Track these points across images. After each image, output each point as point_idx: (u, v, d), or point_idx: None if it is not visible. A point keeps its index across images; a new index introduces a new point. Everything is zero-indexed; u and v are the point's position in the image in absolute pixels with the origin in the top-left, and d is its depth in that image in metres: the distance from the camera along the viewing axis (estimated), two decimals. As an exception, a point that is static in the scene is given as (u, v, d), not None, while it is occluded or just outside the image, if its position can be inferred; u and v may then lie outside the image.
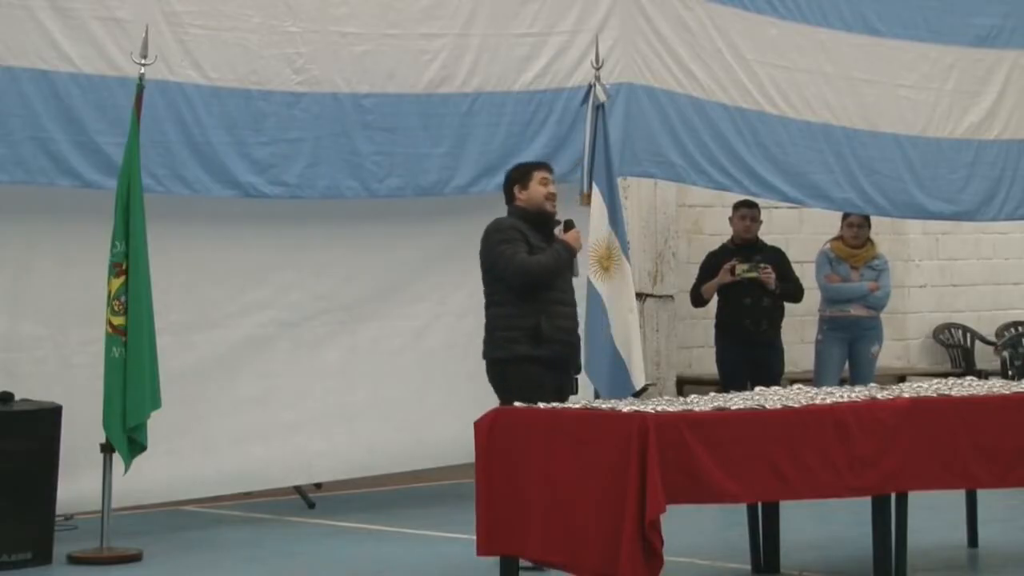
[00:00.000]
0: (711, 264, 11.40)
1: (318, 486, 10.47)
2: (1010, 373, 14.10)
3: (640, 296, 11.99)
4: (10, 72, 8.63)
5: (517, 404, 7.59)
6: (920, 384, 8.20)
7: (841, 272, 11.76)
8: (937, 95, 11.85)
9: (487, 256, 8.28)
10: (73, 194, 8.95)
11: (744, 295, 11.15)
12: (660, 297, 12.98)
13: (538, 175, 8.41)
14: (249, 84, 9.33)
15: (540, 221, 8.32)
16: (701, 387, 11.50)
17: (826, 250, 11.88)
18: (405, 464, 9.52)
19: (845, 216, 11.81)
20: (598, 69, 10.07)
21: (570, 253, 8.31)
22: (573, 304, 8.40)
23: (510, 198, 8.44)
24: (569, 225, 8.45)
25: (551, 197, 8.38)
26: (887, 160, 11.63)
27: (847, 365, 11.84)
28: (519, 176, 8.46)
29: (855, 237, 11.78)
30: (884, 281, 11.80)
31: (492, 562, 7.33)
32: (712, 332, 11.55)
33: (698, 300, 11.49)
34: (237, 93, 9.29)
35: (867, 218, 11.78)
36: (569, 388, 8.29)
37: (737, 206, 11.44)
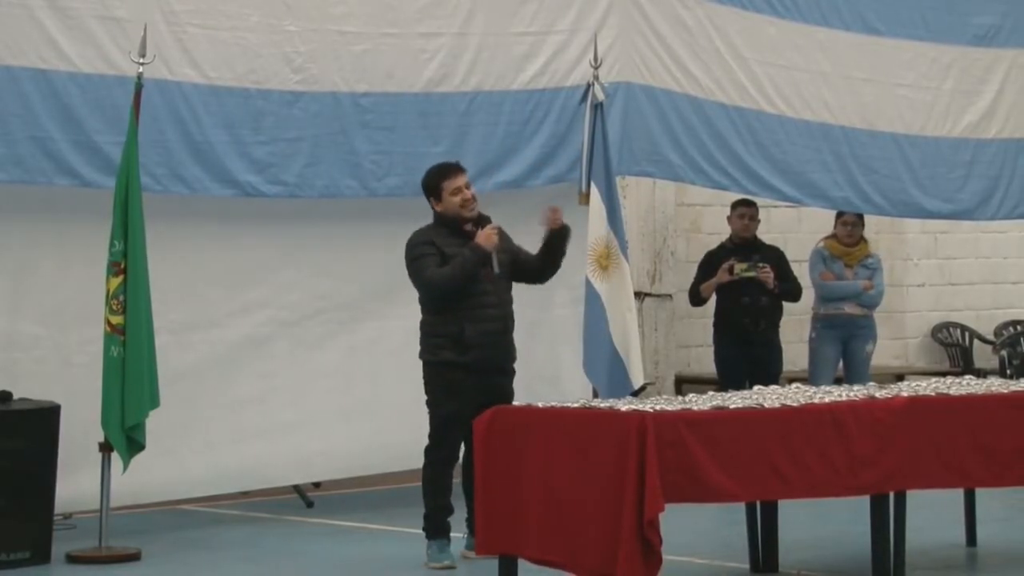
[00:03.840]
0: (709, 263, 11.40)
1: (316, 485, 10.48)
2: (1008, 372, 14.10)
3: (639, 295, 12.00)
4: (9, 71, 8.63)
5: (515, 403, 7.62)
6: (918, 383, 8.19)
7: (835, 270, 11.76)
8: (935, 94, 11.85)
9: (408, 272, 8.30)
10: (72, 193, 8.95)
11: (742, 294, 11.14)
12: (659, 296, 12.99)
13: (448, 187, 8.25)
14: (248, 83, 9.32)
15: (459, 226, 8.24)
16: (700, 386, 11.51)
17: (820, 248, 11.89)
18: (404, 463, 9.50)
19: (839, 215, 11.82)
20: (596, 68, 10.08)
21: (479, 254, 8.13)
22: (500, 304, 8.26)
23: (432, 202, 8.36)
24: (483, 222, 8.26)
25: (467, 203, 8.25)
26: (885, 159, 11.63)
27: (841, 363, 11.84)
28: (430, 188, 8.32)
29: (849, 235, 11.78)
30: (878, 280, 11.81)
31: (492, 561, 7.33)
32: (711, 331, 11.55)
33: (696, 299, 11.49)
34: (236, 92, 9.29)
35: (861, 216, 11.79)
36: (500, 392, 8.12)
37: (735, 205, 11.44)
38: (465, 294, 8.13)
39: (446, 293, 8.13)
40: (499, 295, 8.27)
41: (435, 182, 8.34)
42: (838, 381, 11.18)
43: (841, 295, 11.71)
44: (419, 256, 8.19)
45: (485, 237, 8.17)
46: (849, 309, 11.71)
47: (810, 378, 11.47)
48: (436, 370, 8.23)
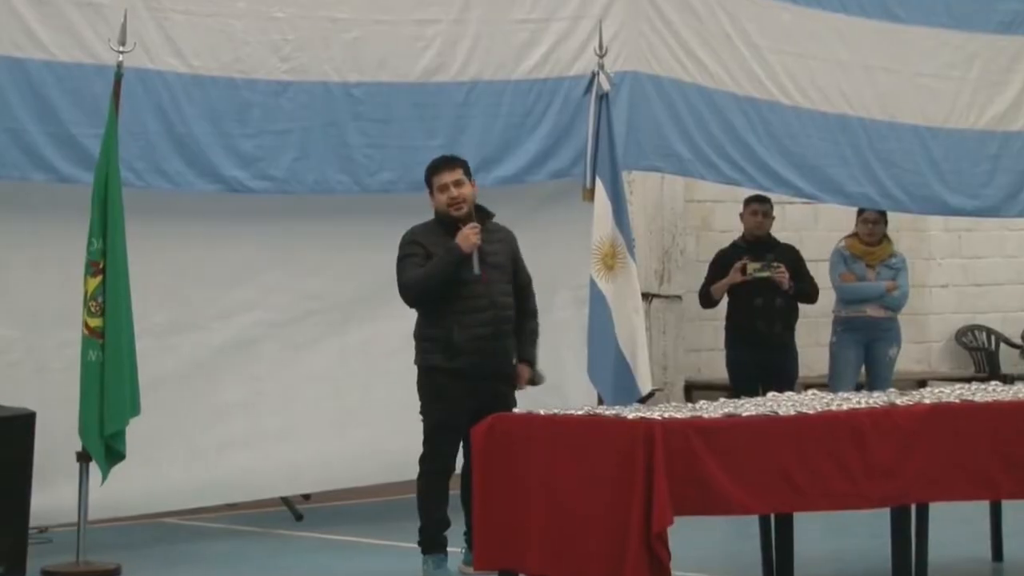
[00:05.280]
0: (721, 263, 11.39)
1: (306, 497, 10.48)
2: (1036, 377, 14.10)
3: (646, 296, 11.99)
4: (-19, 60, 8.65)
5: (516, 411, 7.61)
6: (942, 389, 8.20)
7: (857, 271, 11.76)
8: (959, 84, 11.84)
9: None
10: (47, 189, 8.94)
11: (756, 295, 11.14)
12: (667, 297, 12.99)
13: (436, 183, 8.30)
14: (233, 72, 9.32)
15: (452, 225, 8.24)
16: (711, 392, 11.49)
17: (840, 248, 11.89)
18: (398, 473, 9.50)
19: (860, 212, 11.82)
20: (602, 57, 10.08)
21: (455, 255, 8.12)
22: (493, 306, 8.24)
23: (429, 198, 8.40)
24: (484, 217, 8.26)
25: (455, 202, 8.24)
26: (906, 153, 11.62)
27: (863, 368, 11.84)
28: (426, 183, 8.40)
29: (870, 234, 11.78)
30: (902, 280, 11.80)
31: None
32: (722, 334, 11.55)
33: (707, 301, 11.49)
34: (221, 82, 9.29)
35: (883, 214, 11.79)
36: (496, 398, 8.05)
37: (748, 201, 11.44)
38: (454, 296, 8.14)
39: (421, 296, 8.18)
40: (492, 297, 8.25)
41: (427, 177, 8.40)
42: (859, 387, 11.17)
43: (862, 297, 11.70)
44: (403, 257, 8.26)
45: (463, 237, 8.17)
46: (871, 311, 11.70)
47: (830, 384, 11.48)
48: (426, 375, 8.24)
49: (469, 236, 8.16)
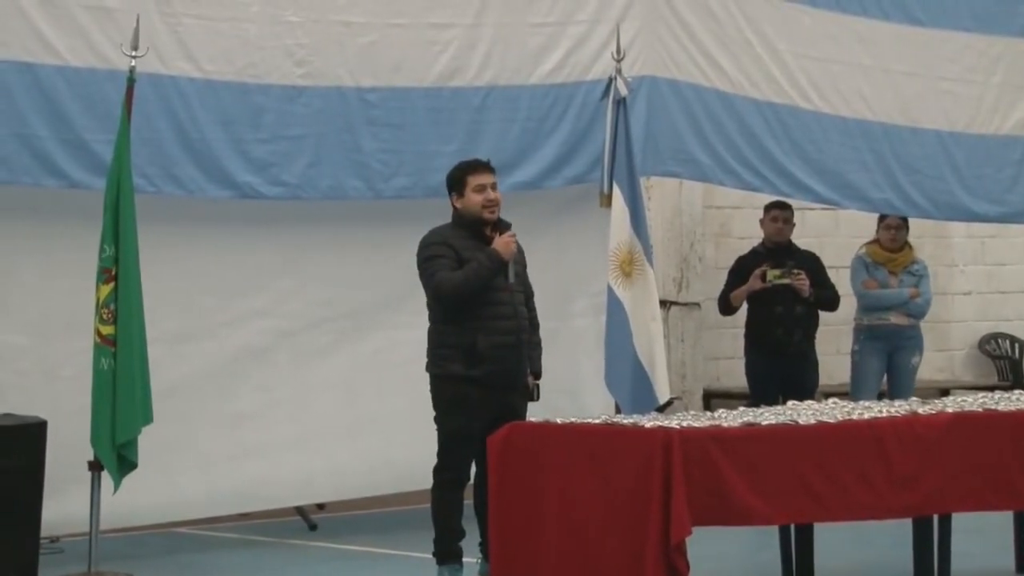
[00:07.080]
0: (740, 269, 11.39)
1: (321, 507, 10.50)
2: (1061, 386, 14.08)
3: (664, 304, 12.00)
4: (-8, 65, 8.68)
5: (532, 419, 7.63)
6: (964, 398, 8.20)
7: (879, 278, 11.75)
8: (983, 88, 11.84)
9: (418, 273, 8.31)
10: (59, 195, 8.97)
11: (776, 303, 11.14)
12: (686, 305, 12.99)
13: (473, 182, 8.27)
14: (247, 77, 9.34)
15: (479, 228, 8.26)
16: (729, 401, 11.51)
17: (862, 255, 11.88)
18: (413, 483, 9.51)
19: (882, 218, 11.81)
20: (619, 61, 10.08)
21: (495, 262, 8.14)
22: (516, 316, 8.25)
23: (452, 198, 8.38)
24: (503, 228, 8.28)
25: (490, 204, 8.25)
26: (929, 158, 11.62)
27: (885, 377, 11.84)
28: (454, 183, 8.34)
29: (892, 240, 11.77)
30: (925, 287, 11.79)
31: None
32: (741, 342, 11.55)
33: (726, 308, 11.49)
34: (234, 87, 9.31)
35: (905, 220, 11.78)
36: (511, 409, 8.08)
37: (768, 208, 11.44)
38: (479, 303, 8.14)
39: (457, 299, 8.14)
40: (514, 306, 8.27)
41: (460, 175, 8.34)
42: (881, 396, 11.16)
43: (887, 304, 11.70)
44: (432, 257, 8.21)
45: (504, 244, 8.18)
46: (895, 319, 11.70)
47: (852, 392, 11.45)
48: (443, 383, 8.23)
49: (509, 244, 8.18)
